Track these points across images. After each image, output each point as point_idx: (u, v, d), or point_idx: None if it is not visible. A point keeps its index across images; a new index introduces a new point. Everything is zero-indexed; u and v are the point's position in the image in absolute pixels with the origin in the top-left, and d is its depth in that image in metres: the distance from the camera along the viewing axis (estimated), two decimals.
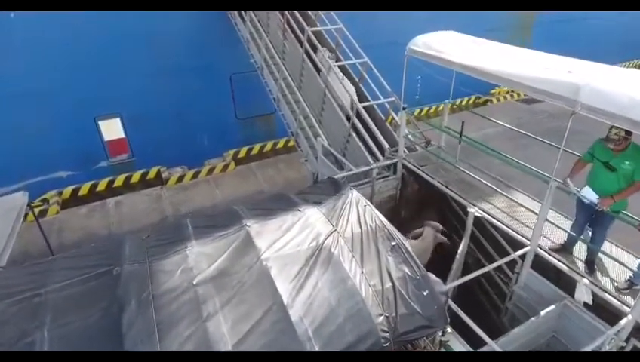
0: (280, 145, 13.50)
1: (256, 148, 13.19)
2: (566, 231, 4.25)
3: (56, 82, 10.86)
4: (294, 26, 8.31)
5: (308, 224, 3.75)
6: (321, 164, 6.77)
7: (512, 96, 17.14)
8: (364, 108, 6.89)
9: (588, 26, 20.05)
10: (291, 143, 13.27)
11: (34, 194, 11.13)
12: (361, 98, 7.42)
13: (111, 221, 9.87)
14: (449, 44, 5.01)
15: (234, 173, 11.83)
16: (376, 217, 3.77)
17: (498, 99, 16.91)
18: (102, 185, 11.38)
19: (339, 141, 7.44)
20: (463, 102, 16.84)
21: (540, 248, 4.21)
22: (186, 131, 13.08)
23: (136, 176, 11.78)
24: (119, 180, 11.61)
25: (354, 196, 4.05)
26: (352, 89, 7.19)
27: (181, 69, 12.24)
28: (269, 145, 13.36)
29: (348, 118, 7.07)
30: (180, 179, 11.37)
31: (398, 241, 3.58)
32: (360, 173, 6.76)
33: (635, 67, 21.85)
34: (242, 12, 9.61)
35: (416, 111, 16.05)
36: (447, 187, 5.31)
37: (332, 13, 8.44)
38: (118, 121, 12.07)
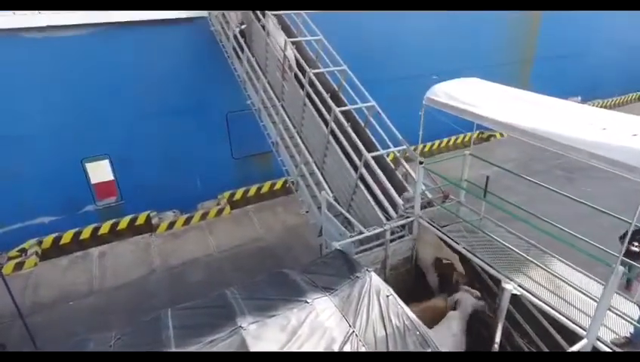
0: (278, 186, 12.83)
1: (253, 189, 12.51)
2: (633, 324, 3.49)
3: (41, 123, 10.30)
4: (294, 66, 7.82)
5: (319, 323, 3.00)
6: (326, 219, 6.06)
7: None
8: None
9: (585, 61, 20.09)
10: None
11: (14, 241, 10.36)
12: (368, 145, 6.80)
13: (93, 275, 9.00)
14: (474, 93, 4.44)
15: (229, 217, 11.08)
16: (403, 314, 3.03)
17: (502, 134, 16.47)
18: (86, 232, 10.57)
19: (344, 192, 6.78)
20: (467, 138, 16.39)
21: (600, 341, 3.46)
22: (179, 172, 12.44)
23: (124, 222, 10.99)
24: (105, 227, 10.80)
25: (373, 283, 3.32)
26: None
27: (175, 108, 11.75)
28: (266, 186, 12.68)
29: (354, 167, 6.44)
30: (171, 225, 10.59)
31: (433, 347, 2.82)
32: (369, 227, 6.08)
33: (634, 100, 21.77)
34: (239, 51, 9.16)
35: (420, 146, 15.57)
36: (474, 254, 4.59)
37: (337, 56, 7.97)
38: (106, 162, 11.43)
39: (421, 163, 4.86)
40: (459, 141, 16.37)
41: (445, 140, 16.21)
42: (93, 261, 9.46)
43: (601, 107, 19.88)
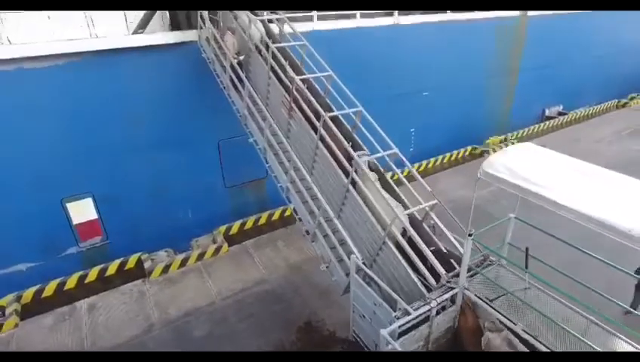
0: (275, 216, 12.21)
1: (250, 221, 11.85)
2: None
3: (16, 161, 9.38)
4: (303, 105, 7.26)
5: None
6: (357, 285, 5.57)
7: (506, 145, 16.74)
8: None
9: (566, 70, 20.47)
10: (288, 213, 12.06)
11: None
12: (391, 192, 6.35)
13: (83, 334, 8.15)
14: (533, 166, 4.03)
15: (228, 256, 10.39)
16: None
17: (494, 149, 16.44)
18: (71, 282, 9.66)
19: (366, 244, 6.30)
20: (460, 155, 16.28)
21: None
22: (169, 206, 11.71)
23: (112, 267, 10.13)
24: (92, 274, 9.92)
25: None
26: (394, 203, 6.05)
27: (162, 139, 11.02)
28: (263, 218, 12.04)
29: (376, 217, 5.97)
30: (166, 268, 9.80)
31: None
32: (401, 291, 5.62)
33: (613, 107, 22.33)
34: (238, 84, 8.52)
35: (415, 166, 15.32)
36: (534, 337, 4.19)
37: (343, 85, 7.49)
38: (89, 200, 10.56)
39: (470, 235, 4.41)
40: (453, 158, 16.22)
41: (440, 158, 16.02)
42: (82, 317, 8.59)
43: (582, 116, 20.48)
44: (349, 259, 5.97)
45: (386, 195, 5.95)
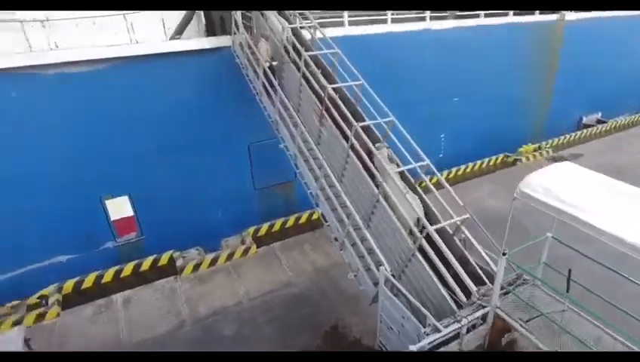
0: (303, 219, 12.37)
1: (278, 224, 12.06)
2: None
3: (60, 161, 9.89)
4: (334, 113, 7.33)
5: None
6: (385, 297, 5.62)
7: (540, 154, 16.28)
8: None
9: (606, 76, 19.64)
10: (315, 217, 12.19)
11: (34, 283, 9.93)
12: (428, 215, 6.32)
13: (120, 327, 8.55)
14: (572, 187, 3.97)
15: (256, 257, 10.63)
16: None
17: (527, 158, 16.02)
18: (108, 275, 10.14)
19: (395, 254, 6.33)
20: (491, 163, 15.95)
21: None
22: (200, 206, 12.04)
23: (146, 264, 10.56)
24: (128, 269, 10.36)
25: None
26: (416, 203, 6.12)
27: (196, 141, 11.33)
28: (291, 220, 12.23)
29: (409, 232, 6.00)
30: (197, 267, 10.13)
31: None
32: (430, 305, 5.63)
33: None
34: (270, 90, 8.70)
35: (444, 174, 15.14)
36: None
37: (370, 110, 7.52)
38: (125, 198, 11.02)
39: (504, 254, 4.38)
40: (483, 166, 15.91)
41: (470, 165, 15.74)
42: (118, 309, 9.02)
43: (623, 125, 19.56)
44: (378, 269, 6.05)
45: (403, 188, 6.00)
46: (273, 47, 9.26)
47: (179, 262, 10.17)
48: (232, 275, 9.94)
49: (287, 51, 8.50)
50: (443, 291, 5.34)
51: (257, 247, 10.96)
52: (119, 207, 11.02)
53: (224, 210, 12.48)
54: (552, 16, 16.47)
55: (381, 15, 13.37)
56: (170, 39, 10.43)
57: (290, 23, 9.41)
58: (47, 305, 9.03)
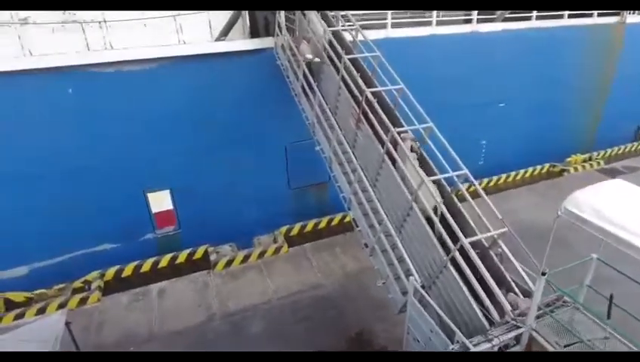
0: (335, 221, 12.35)
1: (310, 225, 12.11)
2: None
3: (108, 154, 10.42)
4: (372, 118, 7.24)
5: None
6: (413, 308, 5.49)
7: (590, 165, 15.29)
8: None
9: None
10: (347, 220, 12.12)
11: (80, 268, 10.57)
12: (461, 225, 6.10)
13: (153, 316, 8.91)
14: (627, 209, 3.66)
15: (286, 256, 10.73)
16: None
17: (576, 169, 15.11)
18: (146, 265, 10.60)
19: (425, 264, 6.16)
20: (536, 172, 15.18)
21: None
22: (236, 203, 12.28)
23: (182, 256, 10.95)
24: (164, 260, 10.80)
25: None
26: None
27: (234, 140, 11.59)
28: (323, 222, 12.24)
29: (441, 242, 5.81)
30: (229, 263, 10.38)
31: None
32: (460, 319, 5.43)
33: None
34: (309, 92, 8.74)
35: (484, 182, 14.59)
36: None
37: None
38: (167, 192, 11.47)
39: (544, 274, 4.13)
40: (527, 175, 15.16)
41: (513, 174, 15.06)
42: (153, 299, 9.41)
43: None
44: (407, 278, 5.92)
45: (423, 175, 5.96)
46: (314, 49, 9.29)
47: (212, 257, 10.46)
48: (262, 273, 10.10)
49: (327, 53, 8.51)
50: (475, 307, 5.12)
51: (289, 247, 11.06)
52: (160, 201, 11.48)
53: (259, 208, 12.68)
54: (611, 19, 15.41)
55: (427, 17, 13.08)
56: (215, 40, 10.73)
57: (331, 25, 9.43)
58: (89, 289, 9.57)
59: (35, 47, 9.38)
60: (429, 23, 13.04)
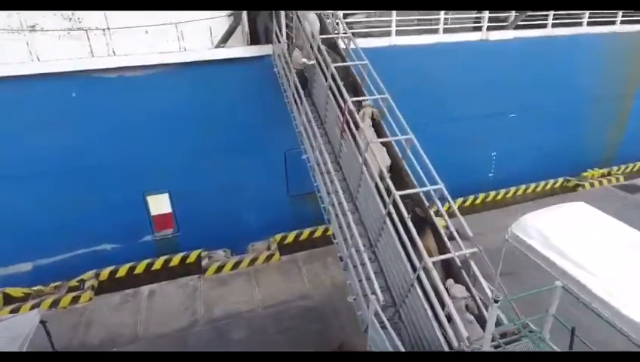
0: (331, 231, 12.01)
1: (306, 233, 12.01)
2: None
3: (110, 156, 10.71)
4: (353, 128, 7.10)
5: None
6: (373, 328, 5.29)
7: (608, 180, 14.48)
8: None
9: None
10: None
11: (79, 266, 10.89)
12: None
13: (139, 318, 9.03)
14: (579, 238, 3.33)
15: (278, 265, 10.67)
16: None
17: (592, 184, 14.33)
18: (140, 267, 10.78)
19: (398, 284, 5.95)
20: (548, 186, 14.51)
21: None
22: (235, 209, 12.36)
23: (176, 259, 11.08)
24: (158, 263, 10.95)
25: None
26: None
27: (234, 145, 11.68)
28: (319, 231, 12.11)
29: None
30: (220, 268, 10.41)
31: None
32: (425, 343, 5.20)
33: None
34: (298, 102, 8.68)
35: (492, 195, 14.05)
36: None
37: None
38: (166, 196, 11.66)
39: (496, 301, 3.87)
40: (539, 189, 14.51)
41: (523, 187, 14.42)
42: (142, 301, 9.54)
43: None
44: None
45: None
46: (307, 57, 9.24)
47: (204, 262, 10.53)
48: (251, 281, 10.07)
49: (318, 62, 8.43)
50: (437, 331, 4.88)
51: (283, 255, 11.00)
52: (159, 203, 11.68)
53: (257, 214, 12.70)
54: (635, 28, 14.61)
55: (433, 24, 12.80)
56: (215, 47, 10.87)
57: (326, 32, 9.38)
58: (82, 289, 9.81)
59: (43, 53, 9.78)
60: (435, 31, 12.74)
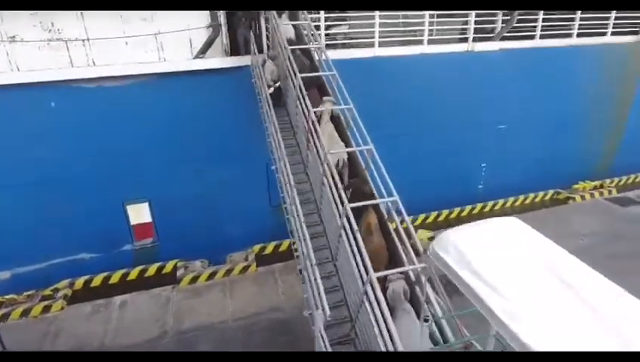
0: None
1: (285, 244, 11.88)
2: None
3: (88, 166, 10.74)
4: (315, 138, 7.01)
5: None
6: (317, 341, 5.12)
7: (600, 193, 14.14)
8: None
9: None
10: None
11: (56, 276, 10.87)
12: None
13: (109, 328, 8.93)
14: (502, 260, 3.08)
15: (254, 276, 10.53)
16: None
17: (583, 197, 14.01)
18: (115, 277, 10.72)
19: (352, 299, 5.78)
20: (537, 198, 14.22)
21: None
22: (217, 219, 12.27)
23: (152, 270, 11.00)
24: (134, 273, 10.88)
25: None
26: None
27: (215, 156, 11.66)
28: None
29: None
30: (195, 279, 10.29)
31: None
32: None
33: None
34: (267, 112, 8.63)
35: (478, 207, 13.81)
36: None
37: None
38: (146, 205, 11.64)
39: (426, 320, 3.69)
40: (528, 202, 14.22)
41: (511, 200, 14.17)
42: (114, 311, 9.45)
43: None
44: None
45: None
46: (280, 68, 9.24)
47: (179, 272, 10.43)
48: (225, 292, 9.94)
49: (289, 72, 8.41)
50: (382, 348, 4.69)
51: (262, 266, 10.86)
52: (139, 213, 11.66)
53: (239, 225, 12.60)
54: (629, 39, 14.42)
55: (417, 35, 12.76)
56: (194, 58, 10.93)
57: (302, 42, 9.41)
58: (55, 298, 9.76)
59: (23, 64, 9.91)
60: (420, 42, 12.69)
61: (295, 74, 7.84)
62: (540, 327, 2.49)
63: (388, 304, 4.66)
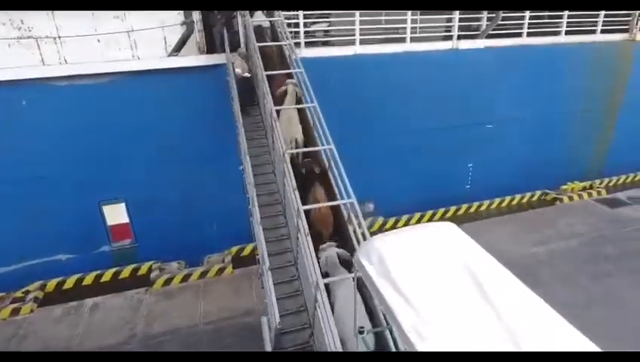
0: None
1: None
2: None
3: (63, 166, 10.57)
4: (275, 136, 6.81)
5: None
6: (267, 349, 4.93)
7: (589, 194, 13.87)
8: None
9: None
10: None
11: (31, 277, 10.70)
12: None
13: (77, 332, 8.75)
14: (421, 266, 2.85)
15: (230, 278, 10.34)
16: None
17: (571, 198, 13.73)
18: (89, 279, 10.53)
19: (309, 305, 5.58)
20: (525, 200, 13.96)
21: None
22: (196, 219, 12.07)
23: (126, 271, 10.80)
24: (108, 275, 10.69)
25: None
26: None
27: (193, 155, 11.44)
28: None
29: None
30: (169, 281, 10.10)
31: None
32: None
33: None
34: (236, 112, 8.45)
35: (464, 208, 13.56)
36: None
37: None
38: (122, 205, 11.44)
39: (361, 332, 3.45)
40: (514, 202, 13.97)
41: (497, 201, 13.90)
42: (84, 314, 9.27)
43: None
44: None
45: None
46: (251, 66, 9.06)
47: (153, 274, 10.24)
48: (198, 294, 9.75)
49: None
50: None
51: (237, 268, 10.65)
52: (116, 213, 11.47)
53: (218, 225, 12.40)
54: (616, 37, 14.15)
55: (400, 33, 12.53)
56: (168, 56, 10.74)
57: (276, 39, 9.23)
58: (24, 301, 9.59)
59: None
60: (402, 40, 12.46)
61: (261, 70, 7.67)
62: (444, 346, 2.28)
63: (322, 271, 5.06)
